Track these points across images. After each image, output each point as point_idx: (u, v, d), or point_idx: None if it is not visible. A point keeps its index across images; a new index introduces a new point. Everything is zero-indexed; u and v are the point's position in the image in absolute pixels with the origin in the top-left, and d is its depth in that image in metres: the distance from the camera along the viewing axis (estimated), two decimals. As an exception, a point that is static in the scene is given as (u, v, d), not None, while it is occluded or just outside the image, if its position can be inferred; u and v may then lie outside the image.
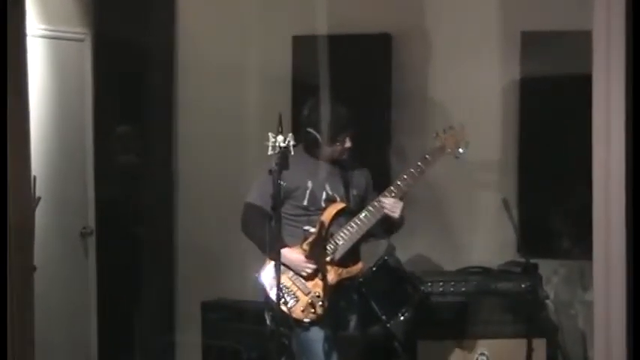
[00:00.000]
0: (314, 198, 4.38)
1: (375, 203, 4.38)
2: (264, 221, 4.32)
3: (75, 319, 5.74)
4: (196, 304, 5.75)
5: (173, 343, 6.11)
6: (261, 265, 4.36)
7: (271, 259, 4.24)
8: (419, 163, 4.42)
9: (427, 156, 4.45)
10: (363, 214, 4.37)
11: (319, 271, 4.32)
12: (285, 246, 4.23)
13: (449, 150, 4.50)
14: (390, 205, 4.36)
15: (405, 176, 4.40)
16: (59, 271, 5.48)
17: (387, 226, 4.45)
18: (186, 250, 6.12)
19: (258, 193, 4.37)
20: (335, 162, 4.45)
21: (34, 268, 4.31)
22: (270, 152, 3.96)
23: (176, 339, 6.12)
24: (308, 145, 4.40)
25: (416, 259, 5.50)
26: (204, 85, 5.98)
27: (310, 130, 4.39)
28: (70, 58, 5.72)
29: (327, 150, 4.42)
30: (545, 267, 5.12)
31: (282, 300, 4.13)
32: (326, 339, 4.32)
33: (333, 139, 4.39)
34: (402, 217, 4.40)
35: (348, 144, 4.41)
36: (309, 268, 4.30)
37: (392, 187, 4.39)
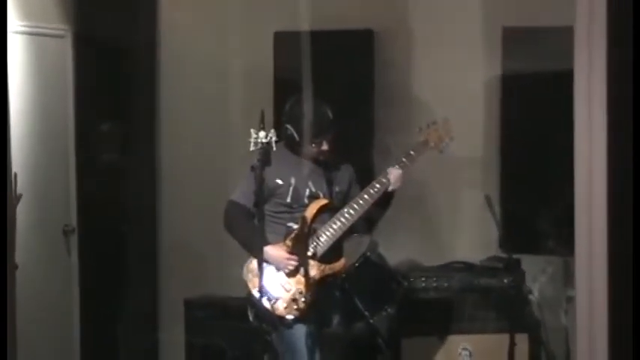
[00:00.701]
0: (297, 195, 4.37)
1: (382, 178, 4.38)
2: (246, 219, 4.32)
3: (57, 318, 5.71)
4: (180, 302, 5.73)
5: (156, 341, 6.09)
6: (244, 262, 4.35)
7: (254, 256, 4.24)
8: (403, 159, 4.43)
9: (411, 152, 4.46)
10: (346, 210, 4.36)
11: (302, 268, 4.31)
12: (267, 243, 4.21)
13: (432, 144, 4.51)
14: (396, 175, 4.37)
15: (388, 172, 4.42)
16: (41, 270, 5.44)
17: (375, 212, 4.43)
18: (170, 248, 6.11)
19: (241, 191, 4.36)
20: (317, 160, 4.44)
21: (15, 267, 4.29)
22: (252, 148, 3.96)
23: (159, 337, 6.10)
24: (289, 142, 4.40)
25: (399, 255, 5.49)
26: (186, 82, 5.96)
27: (288, 127, 4.38)
28: (51, 55, 5.69)
29: (306, 149, 4.41)
30: (528, 263, 5.13)
31: (265, 297, 4.12)
32: (309, 335, 4.31)
33: (311, 140, 4.38)
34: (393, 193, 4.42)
35: (324, 147, 4.40)
36: (292, 265, 4.29)
37: (374, 183, 4.39)
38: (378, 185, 4.40)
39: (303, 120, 4.37)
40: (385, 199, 4.45)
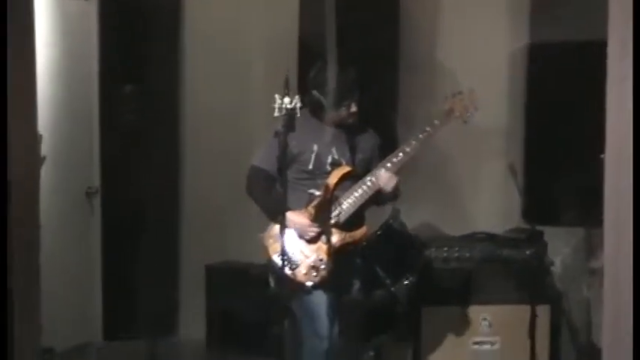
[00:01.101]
0: (319, 162, 4.36)
1: (372, 178, 4.35)
2: (268, 185, 4.32)
3: (79, 279, 5.76)
4: (201, 267, 5.77)
5: (177, 305, 6.14)
6: (265, 228, 4.36)
7: (275, 222, 4.25)
8: (427, 128, 4.39)
9: (436, 121, 4.42)
10: (369, 179, 4.35)
11: (322, 235, 4.31)
12: (289, 209, 4.21)
13: (457, 114, 4.46)
14: (385, 179, 4.33)
15: (413, 141, 4.37)
16: (64, 231, 5.49)
17: (379, 197, 4.42)
18: (191, 212, 6.13)
19: (264, 156, 4.35)
20: (341, 125, 4.42)
21: (39, 227, 4.32)
22: (276, 114, 3.94)
23: (180, 302, 6.14)
24: (313, 108, 4.38)
25: (421, 224, 5.49)
26: (210, 46, 5.95)
27: (315, 92, 4.36)
28: (76, 17, 5.69)
29: (332, 114, 4.39)
30: (551, 234, 5.11)
31: (285, 263, 4.13)
32: (329, 302, 4.31)
33: (339, 103, 4.36)
34: (395, 190, 4.37)
35: (353, 109, 4.38)
36: (313, 231, 4.29)
37: (398, 152, 4.36)
38: (401, 154, 4.38)
39: (331, 84, 4.34)
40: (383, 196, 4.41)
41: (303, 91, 4.36)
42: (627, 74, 3.19)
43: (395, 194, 4.41)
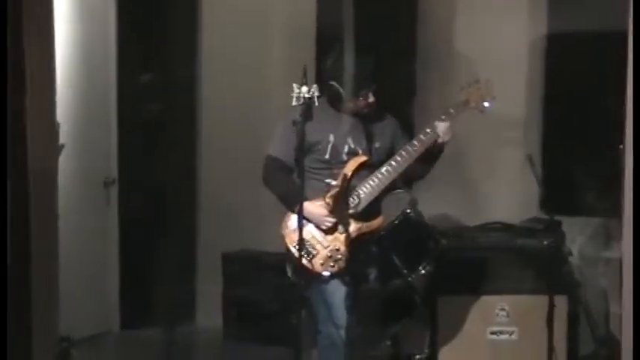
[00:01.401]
0: (336, 151, 4.35)
1: (428, 130, 4.35)
2: (285, 174, 4.32)
3: (97, 269, 5.79)
4: (217, 256, 5.78)
5: (194, 293, 6.16)
6: (282, 217, 4.37)
7: (292, 212, 4.26)
8: (442, 117, 4.38)
9: (451, 110, 4.41)
10: (385, 168, 4.34)
11: (339, 225, 4.32)
12: (306, 199, 4.21)
13: (473, 104, 4.44)
14: (443, 129, 4.33)
15: (428, 129, 4.37)
16: (81, 220, 5.51)
17: (430, 155, 4.40)
18: (208, 201, 6.15)
19: (280, 146, 4.35)
20: (358, 114, 4.41)
21: (56, 217, 4.34)
22: (294, 103, 3.94)
23: (197, 290, 6.17)
24: (330, 98, 4.37)
25: (438, 213, 5.49)
26: (228, 35, 5.95)
27: (333, 83, 4.36)
28: (95, 5, 5.70)
29: (349, 104, 4.39)
30: (569, 224, 5.09)
31: (302, 252, 4.13)
32: (346, 292, 4.31)
33: (356, 93, 4.35)
34: (443, 146, 4.39)
35: (371, 99, 4.37)
36: (329, 221, 4.29)
37: (413, 141, 4.36)
38: (416, 143, 4.36)
39: (347, 74, 4.34)
40: (434, 153, 4.41)
41: (321, 80, 4.37)
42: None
43: (441, 151, 4.41)
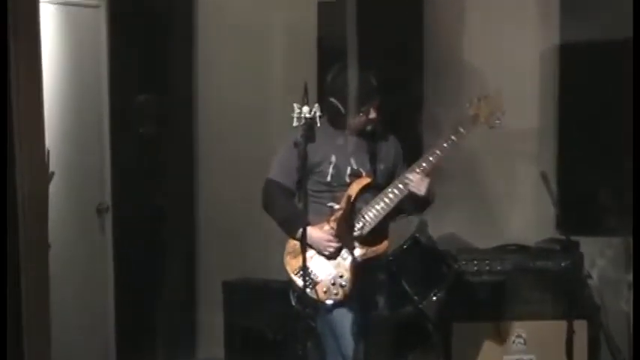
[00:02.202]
0: (338, 173, 4.35)
1: (399, 184, 4.33)
2: (286, 198, 4.32)
3: (91, 299, 5.78)
4: (218, 284, 5.78)
5: (194, 324, 6.15)
6: (284, 243, 4.36)
7: (293, 238, 4.25)
8: (452, 136, 4.36)
9: (460, 128, 4.38)
10: (391, 190, 4.33)
11: (342, 250, 4.31)
12: (308, 224, 4.17)
13: (483, 119, 4.41)
14: (416, 182, 4.31)
15: (437, 150, 4.35)
16: (74, 249, 5.51)
17: (412, 204, 4.40)
18: (208, 228, 6.15)
19: (281, 169, 4.36)
20: (360, 134, 4.41)
21: (48, 246, 4.35)
22: (295, 124, 3.95)
23: (197, 320, 6.16)
24: (331, 116, 4.38)
25: (449, 235, 5.48)
26: (225, 54, 5.97)
27: (332, 100, 4.36)
28: (85, 26, 5.72)
29: (350, 121, 4.38)
30: (587, 245, 5.08)
31: (304, 280, 4.12)
32: (353, 320, 4.30)
33: (357, 109, 4.35)
34: (429, 194, 4.34)
35: (372, 115, 4.37)
36: (333, 247, 4.29)
37: (421, 162, 4.34)
38: (424, 164, 4.36)
39: (348, 89, 4.34)
40: (418, 201, 4.39)
41: (322, 98, 4.38)
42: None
43: (427, 200, 4.37)
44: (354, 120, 4.37)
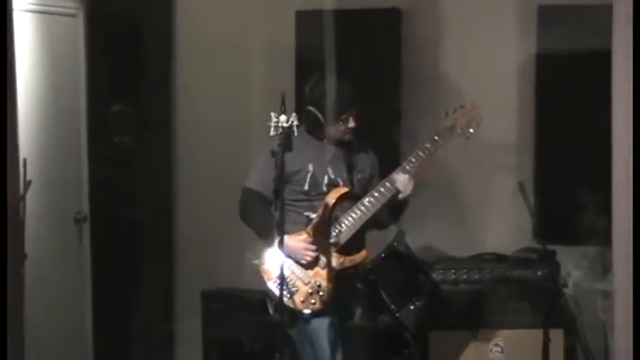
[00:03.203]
0: (315, 182, 4.34)
1: (387, 183, 4.33)
2: (262, 207, 4.31)
3: (68, 310, 5.74)
4: (196, 294, 5.75)
5: (172, 334, 6.12)
6: (262, 252, 4.34)
7: (269, 246, 4.24)
8: (427, 145, 4.37)
9: (436, 137, 4.40)
10: (368, 199, 4.33)
11: (320, 259, 4.30)
12: (285, 233, 4.15)
13: (459, 130, 4.43)
14: (403, 182, 4.31)
15: (413, 158, 4.36)
16: (51, 259, 5.47)
17: (393, 208, 4.40)
18: (186, 237, 6.13)
19: (258, 178, 4.35)
20: (339, 143, 4.41)
21: (24, 256, 4.31)
22: (272, 133, 3.94)
23: (175, 330, 6.13)
24: (309, 125, 4.37)
25: (427, 245, 5.48)
26: (203, 63, 5.96)
27: (311, 108, 4.36)
28: (62, 35, 5.69)
29: (329, 130, 4.38)
30: (564, 254, 5.10)
31: (282, 290, 4.10)
32: (331, 330, 4.29)
33: (336, 118, 4.35)
34: (408, 198, 4.36)
35: (351, 124, 4.37)
36: (310, 255, 4.28)
37: (404, 164, 4.34)
38: (400, 171, 4.36)
39: (327, 98, 4.33)
40: (397, 205, 4.40)
41: (300, 108, 4.37)
42: (632, 85, 3.20)
43: (407, 202, 4.38)
44: (333, 129, 4.37)
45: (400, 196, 4.34)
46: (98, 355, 5.86)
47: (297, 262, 4.28)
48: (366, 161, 4.48)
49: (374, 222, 4.39)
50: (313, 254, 4.28)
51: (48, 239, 5.44)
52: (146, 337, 5.92)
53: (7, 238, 3.59)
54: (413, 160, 4.35)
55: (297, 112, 4.02)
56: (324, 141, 4.40)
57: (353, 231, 4.32)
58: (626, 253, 3.12)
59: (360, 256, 4.37)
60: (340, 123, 4.36)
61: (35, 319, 4.85)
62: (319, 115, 4.34)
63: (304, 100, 4.43)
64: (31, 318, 4.36)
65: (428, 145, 4.37)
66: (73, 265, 5.78)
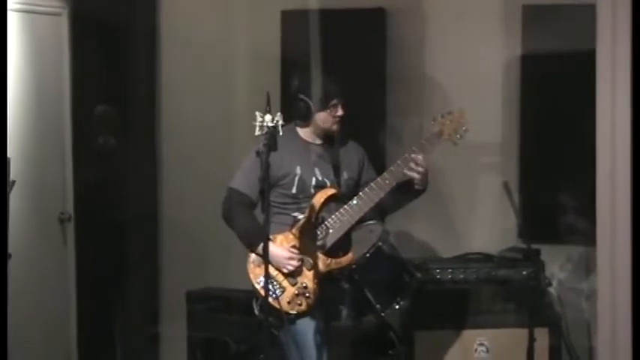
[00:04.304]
0: (303, 185, 4.33)
1: (374, 186, 4.32)
2: (247, 210, 4.30)
3: (53, 309, 5.73)
4: (181, 294, 5.75)
5: (157, 334, 6.12)
6: (248, 252, 4.35)
7: (253, 251, 4.25)
8: (414, 149, 4.37)
9: (423, 141, 4.41)
10: (355, 202, 4.34)
11: (307, 260, 4.29)
12: (269, 237, 4.12)
13: (446, 136, 4.44)
14: (416, 161, 4.31)
15: (400, 162, 4.35)
16: (36, 259, 5.46)
17: (406, 190, 4.39)
18: (171, 237, 6.12)
19: (244, 179, 4.33)
20: (326, 136, 4.39)
21: (8, 256, 4.30)
22: (257, 133, 3.94)
23: (160, 330, 6.12)
24: (301, 115, 4.34)
25: (412, 244, 5.50)
26: (188, 63, 5.96)
27: (302, 96, 4.33)
28: (46, 34, 5.69)
29: (318, 119, 4.36)
30: (548, 253, 5.12)
31: (268, 291, 4.10)
32: (317, 331, 4.29)
33: (324, 104, 4.33)
34: (425, 182, 4.38)
35: (339, 112, 4.36)
36: (292, 265, 4.27)
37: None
38: (387, 175, 4.34)
39: (314, 90, 4.33)
40: (409, 193, 4.41)
41: (286, 107, 4.37)
42: (617, 85, 3.22)
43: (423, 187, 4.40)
44: (323, 117, 4.36)
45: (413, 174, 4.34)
46: (82, 355, 5.85)
47: (279, 270, 4.27)
48: (352, 160, 4.47)
49: (364, 217, 4.38)
50: (295, 264, 4.26)
51: (32, 239, 5.43)
52: (131, 337, 5.92)
53: None
54: (414, 148, 4.35)
55: (282, 111, 4.01)
56: (314, 133, 4.39)
57: (340, 233, 4.33)
58: (609, 252, 3.15)
59: (346, 259, 4.37)
60: (329, 110, 4.36)
61: (19, 319, 4.84)
62: (310, 102, 4.33)
63: (292, 91, 4.42)
64: (15, 318, 4.34)
65: (415, 149, 4.37)
66: (58, 266, 5.78)
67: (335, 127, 4.39)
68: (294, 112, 4.35)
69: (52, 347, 5.71)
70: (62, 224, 5.77)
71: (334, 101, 4.35)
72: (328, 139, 4.43)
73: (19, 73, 5.37)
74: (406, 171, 4.33)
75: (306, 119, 4.37)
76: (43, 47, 5.64)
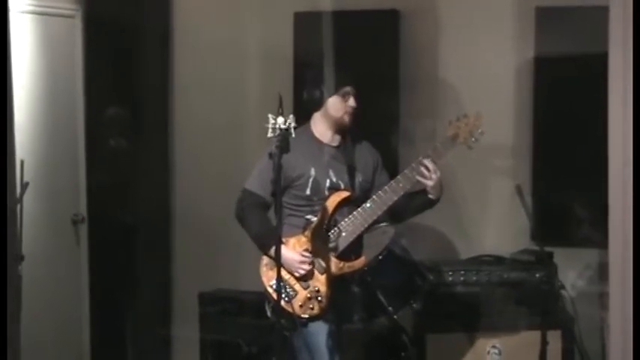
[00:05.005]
0: (317, 186, 4.34)
1: (387, 189, 4.33)
2: (261, 211, 4.32)
3: (66, 311, 5.76)
4: (194, 296, 5.77)
5: (169, 336, 6.13)
6: (260, 254, 4.35)
7: (266, 254, 4.26)
8: (429, 152, 4.37)
9: (438, 145, 4.41)
10: (369, 205, 4.34)
11: (319, 264, 4.29)
12: (281, 239, 4.12)
13: (462, 139, 4.43)
14: (428, 170, 4.32)
15: (414, 165, 4.35)
16: (49, 261, 5.49)
17: (420, 199, 4.41)
18: (183, 239, 6.14)
19: (258, 181, 4.35)
20: (340, 141, 4.40)
21: (21, 258, 4.33)
22: (269, 135, 3.95)
23: (172, 332, 6.14)
24: (315, 104, 4.37)
25: (425, 247, 5.48)
26: (201, 64, 5.97)
27: (314, 85, 4.37)
28: (60, 36, 5.72)
29: (330, 109, 4.37)
30: (561, 256, 5.12)
31: (280, 294, 4.11)
32: (329, 334, 4.30)
33: (337, 88, 4.34)
34: (439, 191, 4.39)
35: (352, 103, 4.37)
36: (303, 269, 4.28)
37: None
38: (401, 178, 4.35)
39: (325, 83, 4.35)
40: (422, 203, 4.44)
41: (299, 109, 4.38)
42: (628, 88, 3.22)
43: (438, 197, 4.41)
44: (336, 105, 4.36)
45: (427, 183, 4.35)
46: (95, 356, 5.87)
47: (291, 274, 4.28)
48: (367, 162, 4.48)
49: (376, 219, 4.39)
50: (307, 268, 4.28)
51: (45, 241, 5.46)
52: (143, 339, 5.93)
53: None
54: (430, 152, 4.36)
55: (295, 113, 4.01)
56: (324, 127, 4.40)
57: (353, 236, 4.34)
58: (621, 255, 3.14)
59: (359, 262, 4.38)
60: (342, 99, 4.36)
61: (32, 321, 4.86)
62: (323, 90, 4.35)
63: (306, 82, 4.45)
64: (29, 319, 4.36)
65: (430, 153, 4.37)
66: (70, 267, 5.80)
67: (347, 119, 4.39)
68: (306, 95, 4.37)
69: (65, 348, 5.73)
70: (75, 226, 5.80)
71: (347, 88, 4.36)
72: (342, 139, 4.43)
73: (33, 75, 5.40)
74: (418, 177, 4.33)
75: (316, 103, 4.38)
76: (57, 49, 5.67)
